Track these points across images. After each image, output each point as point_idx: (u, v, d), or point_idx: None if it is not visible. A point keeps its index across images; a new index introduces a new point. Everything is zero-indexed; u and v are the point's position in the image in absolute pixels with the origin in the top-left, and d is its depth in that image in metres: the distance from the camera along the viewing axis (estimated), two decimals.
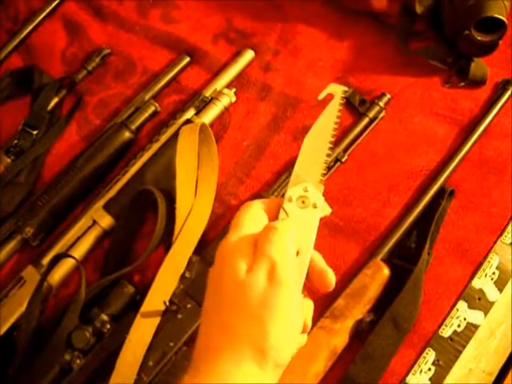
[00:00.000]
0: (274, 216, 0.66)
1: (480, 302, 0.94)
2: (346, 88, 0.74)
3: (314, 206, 0.66)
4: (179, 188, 1.01)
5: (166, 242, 0.99)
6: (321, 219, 0.67)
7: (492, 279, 0.95)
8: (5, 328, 0.99)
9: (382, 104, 1.09)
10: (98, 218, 1.05)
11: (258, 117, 1.13)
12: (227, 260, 0.62)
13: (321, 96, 0.74)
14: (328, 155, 0.70)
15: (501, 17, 1.01)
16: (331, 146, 0.70)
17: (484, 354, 0.93)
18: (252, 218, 0.65)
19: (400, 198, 1.02)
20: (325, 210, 0.67)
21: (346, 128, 1.08)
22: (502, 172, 1.02)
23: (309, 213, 0.66)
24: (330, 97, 0.73)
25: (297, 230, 0.64)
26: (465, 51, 1.09)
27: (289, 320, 0.61)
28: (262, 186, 1.07)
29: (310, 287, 0.66)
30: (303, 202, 0.67)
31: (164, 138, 1.09)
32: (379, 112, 1.08)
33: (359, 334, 0.91)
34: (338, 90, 0.73)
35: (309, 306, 0.68)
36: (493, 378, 0.94)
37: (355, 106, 1.09)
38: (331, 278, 0.66)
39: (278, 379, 0.62)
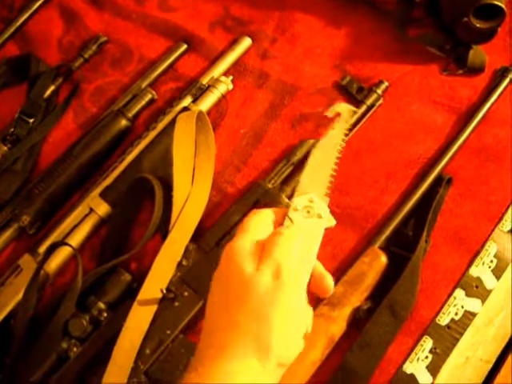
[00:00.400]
0: (279, 225, 0.68)
1: (477, 290, 0.94)
2: (354, 108, 0.76)
3: (319, 217, 0.68)
4: (176, 176, 1.00)
5: (163, 229, 0.99)
6: (324, 229, 0.68)
7: (490, 267, 0.95)
8: (1, 316, 0.99)
9: (379, 91, 1.08)
10: (95, 206, 1.05)
11: (255, 104, 1.12)
12: (234, 260, 0.64)
13: (328, 113, 0.76)
14: (334, 170, 0.72)
15: (500, 3, 1.00)
16: (338, 161, 0.73)
17: (482, 342, 0.93)
18: (258, 223, 0.68)
19: (398, 186, 1.01)
20: (330, 221, 0.69)
21: None
22: (501, 159, 1.02)
23: (313, 222, 0.68)
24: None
25: (301, 237, 0.66)
26: (463, 38, 1.08)
27: (293, 319, 0.63)
28: (259, 173, 1.06)
29: (308, 291, 0.66)
30: (308, 212, 0.69)
31: (161, 125, 1.08)
32: (377, 99, 1.08)
33: (357, 321, 0.91)
34: (345, 110, 0.75)
35: (309, 312, 0.68)
36: (490, 366, 0.94)
37: (353, 94, 1.09)
38: (330, 283, 0.68)
39: (279, 380, 0.63)
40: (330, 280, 0.67)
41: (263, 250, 0.64)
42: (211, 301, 0.66)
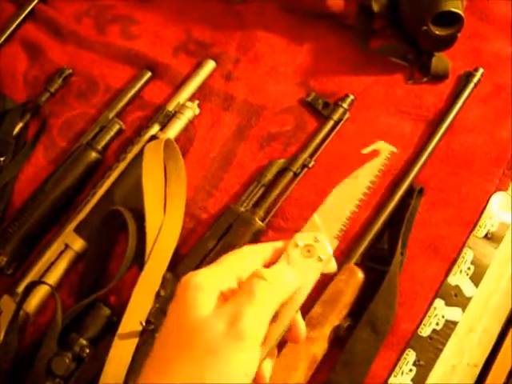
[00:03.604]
0: (276, 258, 0.63)
1: (457, 299, 0.94)
2: (394, 148, 0.69)
3: (319, 260, 0.62)
4: (148, 206, 1.00)
5: (139, 261, 0.98)
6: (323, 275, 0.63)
7: (467, 274, 0.95)
8: None
9: (345, 105, 1.08)
10: (70, 242, 1.04)
11: (222, 127, 1.12)
12: (188, 295, 0.59)
13: (366, 150, 0.70)
14: (352, 212, 0.66)
15: (457, 10, 1.00)
16: (359, 203, 0.67)
17: (466, 349, 0.93)
18: (237, 259, 0.62)
19: (369, 200, 1.00)
20: (329, 266, 0.63)
21: (310, 133, 1.07)
22: (470, 165, 1.02)
23: (311, 265, 0.62)
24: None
25: (285, 285, 0.60)
26: (424, 46, 1.09)
27: (233, 373, 0.55)
28: (230, 197, 1.06)
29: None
30: (308, 251, 0.62)
31: (130, 156, 1.08)
32: (343, 114, 1.07)
33: (338, 340, 0.91)
34: (384, 149, 0.69)
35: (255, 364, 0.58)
36: (478, 369, 0.93)
37: (319, 110, 1.08)
38: (303, 331, 0.63)
39: None
40: (303, 329, 0.63)
41: (235, 291, 0.58)
42: (163, 332, 0.60)
